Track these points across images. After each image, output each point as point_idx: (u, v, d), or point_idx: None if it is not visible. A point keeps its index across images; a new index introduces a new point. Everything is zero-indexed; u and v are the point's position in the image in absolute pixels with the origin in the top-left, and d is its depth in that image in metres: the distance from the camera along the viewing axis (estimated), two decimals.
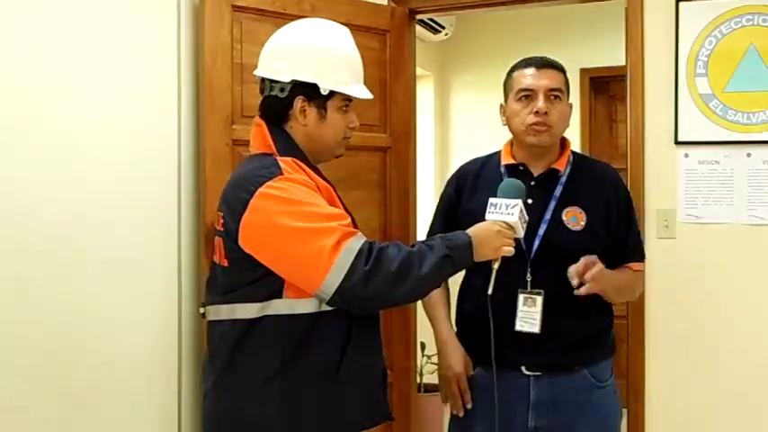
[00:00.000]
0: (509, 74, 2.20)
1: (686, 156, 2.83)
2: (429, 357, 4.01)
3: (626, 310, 2.89)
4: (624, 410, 2.92)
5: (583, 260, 2.01)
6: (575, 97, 4.86)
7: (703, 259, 2.80)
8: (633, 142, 2.89)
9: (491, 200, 1.89)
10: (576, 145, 4.77)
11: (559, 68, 2.17)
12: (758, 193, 2.73)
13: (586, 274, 2.00)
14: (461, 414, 2.15)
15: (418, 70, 3.65)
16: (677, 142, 2.82)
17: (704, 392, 2.80)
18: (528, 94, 2.12)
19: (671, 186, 2.84)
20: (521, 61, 2.19)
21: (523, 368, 2.09)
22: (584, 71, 4.91)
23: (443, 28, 4.78)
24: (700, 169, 2.81)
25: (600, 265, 2.02)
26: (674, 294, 2.84)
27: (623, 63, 2.97)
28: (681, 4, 2.80)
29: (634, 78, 2.89)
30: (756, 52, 2.73)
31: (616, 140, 5.01)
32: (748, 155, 2.75)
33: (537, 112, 2.09)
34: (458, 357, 2.16)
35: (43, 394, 2.10)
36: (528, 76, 2.13)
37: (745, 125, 2.74)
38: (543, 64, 2.15)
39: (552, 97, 2.11)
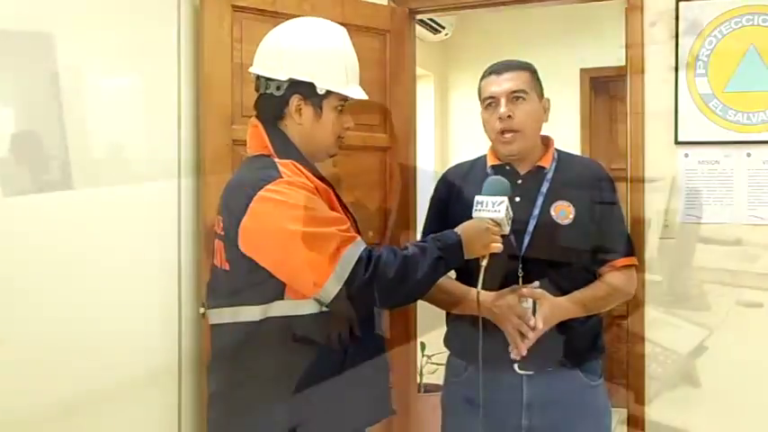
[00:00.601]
0: (479, 83, 2.22)
1: (686, 156, 2.82)
2: (429, 357, 4.01)
3: (626, 310, 2.89)
4: (624, 410, 2.94)
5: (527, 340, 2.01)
6: (575, 97, 4.92)
7: (703, 259, 2.80)
8: (633, 142, 2.88)
9: (477, 198, 1.90)
10: (576, 145, 4.85)
11: (523, 68, 2.17)
12: (758, 193, 2.73)
13: (516, 349, 2.01)
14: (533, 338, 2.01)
15: (418, 70, 3.65)
16: (677, 142, 2.82)
17: (704, 392, 2.80)
18: (491, 102, 2.15)
19: (671, 186, 2.84)
20: (486, 69, 2.21)
21: (516, 367, 2.09)
22: (584, 71, 4.91)
23: (443, 28, 4.77)
24: (700, 169, 2.80)
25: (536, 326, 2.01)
26: (673, 294, 2.83)
27: (623, 63, 2.96)
28: (681, 4, 2.80)
29: (634, 78, 2.89)
30: (756, 52, 2.72)
31: (616, 140, 5.00)
32: (748, 155, 2.75)
33: (501, 118, 2.11)
34: (492, 294, 2.02)
35: (43, 395, 2.10)
36: (491, 83, 2.16)
37: (745, 125, 2.74)
38: (504, 68, 2.16)
39: (515, 99, 2.12)
